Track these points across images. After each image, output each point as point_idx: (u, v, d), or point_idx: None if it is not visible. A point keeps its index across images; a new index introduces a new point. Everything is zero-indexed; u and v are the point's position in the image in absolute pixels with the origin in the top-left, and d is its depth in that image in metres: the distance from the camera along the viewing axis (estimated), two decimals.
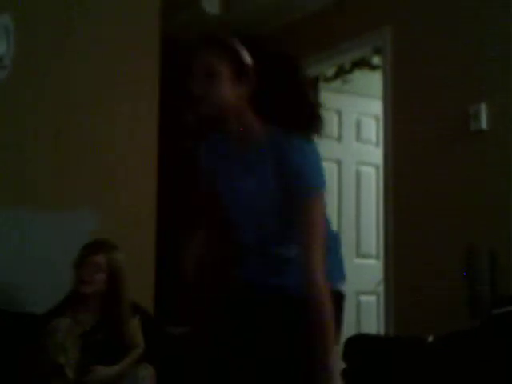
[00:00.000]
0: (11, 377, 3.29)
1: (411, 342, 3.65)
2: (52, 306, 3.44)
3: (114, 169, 4.25)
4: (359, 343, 3.85)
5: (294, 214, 2.14)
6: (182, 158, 4.26)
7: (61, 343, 3.20)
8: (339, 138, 5.85)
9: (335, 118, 5.84)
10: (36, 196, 3.94)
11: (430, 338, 3.48)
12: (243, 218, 2.26)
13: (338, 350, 2.23)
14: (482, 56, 4.16)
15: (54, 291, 3.49)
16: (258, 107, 2.17)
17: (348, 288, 5.82)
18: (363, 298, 5.70)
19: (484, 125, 4.13)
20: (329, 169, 5.70)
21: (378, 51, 5.20)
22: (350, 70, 5.68)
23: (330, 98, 5.69)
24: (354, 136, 5.91)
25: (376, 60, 5.49)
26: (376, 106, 5.42)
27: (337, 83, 5.75)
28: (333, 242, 2.29)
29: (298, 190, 2.12)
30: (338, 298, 2.23)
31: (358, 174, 5.87)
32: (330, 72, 5.70)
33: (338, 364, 2.15)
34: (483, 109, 4.13)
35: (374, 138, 5.89)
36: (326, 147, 5.66)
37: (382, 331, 4.97)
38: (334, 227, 5.79)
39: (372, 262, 5.71)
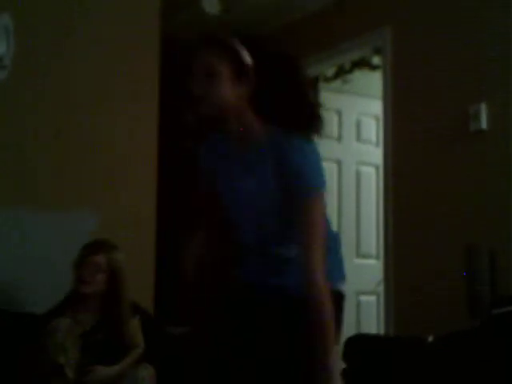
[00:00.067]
0: (11, 377, 3.29)
1: (411, 342, 3.65)
2: (52, 306, 3.44)
3: (114, 169, 4.25)
4: (359, 343, 3.85)
5: (294, 213, 2.14)
6: (182, 158, 4.26)
7: (61, 343, 3.20)
8: (339, 138, 5.85)
9: (335, 118, 5.84)
10: (36, 196, 3.94)
11: (430, 338, 3.49)
12: (243, 218, 2.26)
13: (337, 350, 2.23)
14: (481, 56, 4.16)
15: (53, 291, 3.49)
16: (258, 107, 2.17)
17: (348, 288, 5.81)
18: (363, 298, 5.70)
19: (484, 125, 4.13)
20: (329, 169, 5.70)
21: (377, 51, 5.20)
22: (350, 70, 5.68)
23: (330, 98, 5.68)
24: (354, 136, 5.91)
25: (376, 60, 5.49)
26: (376, 106, 5.42)
27: (337, 83, 5.75)
28: (333, 242, 2.29)
29: (297, 190, 2.12)
30: (338, 298, 2.23)
31: (358, 174, 5.87)
32: (330, 72, 5.70)
33: (337, 364, 2.15)
34: (483, 109, 4.13)
35: (373, 138, 5.89)
36: (325, 147, 5.65)
37: (381, 331, 4.97)
38: (334, 227, 5.79)
39: (372, 261, 5.71)
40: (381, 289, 4.92)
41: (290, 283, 2.15)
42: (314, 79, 5.61)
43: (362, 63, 5.64)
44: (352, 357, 3.74)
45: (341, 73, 5.72)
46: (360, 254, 5.77)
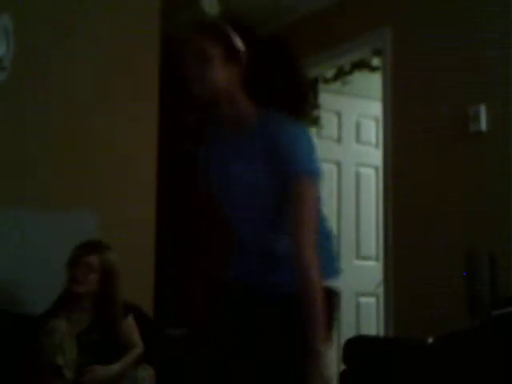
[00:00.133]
0: (11, 377, 3.29)
1: (411, 343, 3.65)
2: (49, 307, 3.45)
3: (114, 169, 4.25)
4: (359, 345, 3.84)
5: (285, 200, 2.13)
6: (182, 158, 4.25)
7: (59, 344, 3.20)
8: (339, 140, 5.85)
9: (335, 120, 5.83)
10: (36, 196, 3.94)
11: (430, 340, 3.48)
12: (235, 204, 2.25)
13: (331, 347, 2.22)
14: (481, 57, 4.16)
15: (53, 291, 3.49)
16: (251, 91, 2.18)
17: (348, 289, 5.84)
18: (363, 299, 5.70)
19: (483, 126, 4.12)
20: (328, 170, 5.70)
21: (377, 53, 5.20)
22: (350, 72, 5.67)
23: (330, 100, 5.68)
24: (354, 137, 5.91)
25: (376, 61, 5.49)
26: (375, 108, 5.41)
27: (336, 85, 5.74)
28: (326, 239, 2.28)
29: (288, 175, 2.11)
30: (332, 296, 2.22)
31: (358, 176, 5.87)
32: (330, 73, 5.70)
33: (330, 361, 2.14)
34: (482, 110, 4.12)
35: (373, 140, 5.88)
36: (325, 149, 5.66)
37: (381, 332, 4.96)
38: (334, 228, 5.78)
39: (371, 263, 5.71)
40: (380, 290, 4.92)
41: (286, 280, 2.14)
42: (313, 80, 5.62)
43: (362, 64, 5.64)
44: (352, 358, 3.74)
45: (340, 74, 5.71)
46: (360, 256, 5.77)
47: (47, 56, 4.07)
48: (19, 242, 3.79)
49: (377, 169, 5.61)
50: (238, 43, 2.16)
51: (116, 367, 3.40)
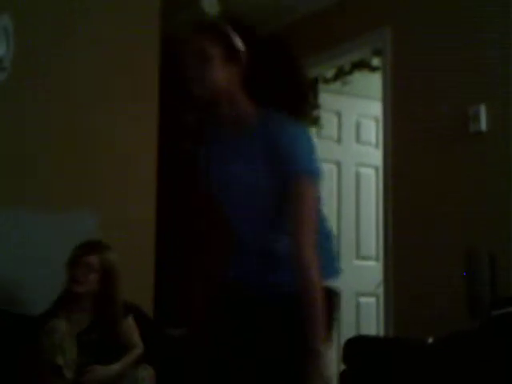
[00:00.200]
0: (11, 377, 3.29)
1: (411, 343, 3.65)
2: (49, 307, 3.45)
3: (114, 169, 4.25)
4: (359, 345, 3.84)
5: (285, 200, 2.13)
6: (182, 158, 4.26)
7: (59, 344, 3.20)
8: (339, 140, 5.85)
9: (335, 120, 5.83)
10: (36, 196, 3.94)
11: (430, 340, 3.48)
12: (235, 203, 2.25)
13: (331, 347, 2.22)
14: (481, 57, 4.16)
15: (53, 291, 3.49)
16: (251, 91, 2.18)
17: (348, 289, 5.84)
18: (363, 299, 5.70)
19: (483, 126, 4.12)
20: (328, 170, 5.70)
21: (377, 53, 5.20)
22: (350, 72, 5.67)
23: (330, 100, 5.68)
24: (354, 137, 5.91)
25: (376, 61, 5.49)
26: (375, 108, 5.42)
27: (336, 85, 5.74)
28: (326, 239, 2.27)
29: (287, 175, 2.11)
30: (332, 296, 2.22)
31: (358, 176, 5.87)
32: (330, 73, 5.70)
33: (330, 361, 2.14)
34: (483, 110, 4.12)
35: (373, 140, 5.88)
36: (325, 149, 5.66)
37: (381, 333, 4.96)
38: (334, 228, 5.78)
39: (372, 263, 5.71)
40: (380, 290, 4.91)
41: (286, 280, 2.14)
42: (313, 80, 5.62)
43: (362, 64, 5.64)
44: (352, 358, 3.74)
45: (340, 74, 5.71)
46: (360, 256, 5.77)
47: (47, 56, 4.07)
48: (19, 242, 3.79)
49: (377, 169, 5.61)
50: (238, 43, 2.16)
51: (116, 367, 3.41)
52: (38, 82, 4.02)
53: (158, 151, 4.46)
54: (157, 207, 4.40)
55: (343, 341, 3.90)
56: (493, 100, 4.10)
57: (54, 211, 3.95)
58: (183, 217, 5.50)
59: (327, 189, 5.68)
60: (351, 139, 5.89)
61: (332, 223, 5.87)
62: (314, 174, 2.15)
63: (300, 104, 2.22)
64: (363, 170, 5.87)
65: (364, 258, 5.77)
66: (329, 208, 5.63)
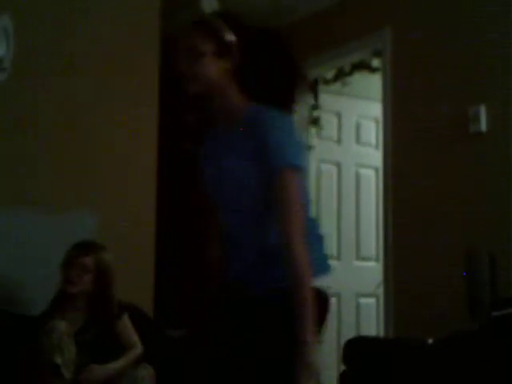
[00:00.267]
0: (11, 377, 3.30)
1: (411, 344, 3.65)
2: (46, 307, 3.46)
3: (114, 169, 4.25)
4: (359, 345, 3.84)
5: (271, 192, 2.14)
6: (182, 158, 4.26)
7: (57, 344, 3.21)
8: (339, 141, 5.85)
9: (335, 121, 5.84)
10: (36, 196, 3.94)
11: (430, 340, 3.48)
12: (228, 201, 2.26)
13: (320, 347, 2.21)
14: (481, 58, 4.16)
15: (53, 291, 3.50)
16: (245, 84, 2.21)
17: (348, 290, 5.84)
18: (363, 300, 5.70)
19: (483, 127, 4.12)
20: (328, 171, 5.71)
21: (377, 54, 5.20)
22: (350, 73, 5.67)
23: (330, 101, 5.70)
24: (354, 138, 5.91)
25: (375, 62, 5.49)
26: (375, 109, 5.42)
27: (336, 86, 5.74)
28: (316, 241, 2.27)
29: (271, 167, 2.12)
30: (322, 297, 2.22)
31: (358, 177, 5.87)
32: (330, 74, 5.70)
33: (318, 359, 2.13)
34: (482, 111, 4.13)
35: (373, 141, 5.88)
36: (325, 149, 5.68)
37: (381, 333, 4.96)
38: (334, 228, 5.77)
39: (372, 264, 5.71)
40: (380, 291, 4.92)
41: (285, 273, 2.14)
42: (313, 81, 5.62)
43: (362, 66, 5.64)
44: (352, 359, 3.74)
45: (340, 75, 5.71)
46: (360, 257, 5.77)
47: (47, 56, 4.07)
48: (19, 242, 3.79)
49: (377, 170, 5.61)
50: (230, 39, 2.18)
51: (114, 366, 3.41)
52: (37, 82, 4.02)
53: (158, 151, 4.46)
54: (157, 207, 4.40)
55: (343, 341, 3.90)
56: (493, 100, 4.10)
57: (53, 211, 3.95)
58: (183, 217, 5.50)
59: (327, 189, 5.69)
60: (351, 140, 5.90)
61: (332, 223, 5.91)
62: (297, 168, 2.16)
63: (291, 97, 2.24)
64: (363, 171, 5.87)
65: (364, 258, 5.77)
66: (329, 208, 5.64)
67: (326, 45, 5.25)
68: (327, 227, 5.38)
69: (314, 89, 5.65)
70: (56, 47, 4.12)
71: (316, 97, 5.66)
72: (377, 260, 5.59)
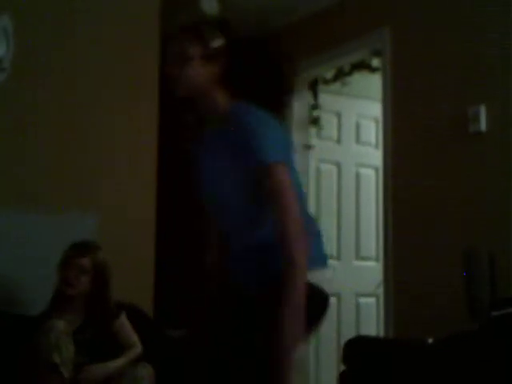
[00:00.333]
0: (11, 376, 3.30)
1: (411, 344, 3.64)
2: (45, 308, 3.46)
3: (114, 169, 4.25)
4: (359, 345, 3.84)
5: (263, 190, 2.16)
6: (181, 158, 4.26)
7: (55, 343, 3.21)
8: (338, 141, 5.84)
9: (334, 121, 5.84)
10: (36, 196, 3.94)
11: (430, 340, 3.48)
12: (223, 201, 2.29)
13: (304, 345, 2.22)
14: (481, 58, 4.16)
15: (53, 291, 3.51)
16: (231, 88, 2.27)
17: (347, 290, 5.84)
18: (363, 300, 5.70)
19: (483, 127, 4.12)
20: (328, 171, 5.71)
21: (377, 53, 5.20)
22: (350, 73, 5.67)
23: (330, 100, 5.70)
24: (354, 138, 5.91)
25: (375, 62, 5.49)
26: (375, 108, 5.42)
27: (336, 85, 5.74)
28: (315, 237, 2.28)
29: (259, 165, 2.14)
30: (321, 296, 2.23)
31: (358, 176, 5.87)
32: (330, 74, 5.70)
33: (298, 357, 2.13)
34: (482, 111, 4.12)
35: (373, 140, 5.88)
36: (325, 149, 5.68)
37: (381, 333, 4.96)
38: (334, 228, 5.78)
39: (371, 263, 5.71)
40: (380, 291, 4.91)
41: (280, 275, 2.14)
42: (313, 81, 5.62)
43: (362, 65, 5.64)
44: (352, 359, 3.74)
45: (340, 75, 5.71)
46: (359, 256, 5.77)
47: (47, 56, 4.08)
48: (19, 242, 3.79)
49: (376, 169, 5.61)
50: (216, 41, 2.24)
51: (113, 365, 3.42)
52: (37, 82, 4.03)
53: (158, 151, 4.46)
54: (157, 207, 4.40)
55: (343, 341, 3.90)
56: (493, 100, 4.10)
57: (53, 211, 3.95)
58: (183, 217, 5.50)
59: (327, 189, 5.69)
60: (351, 140, 5.89)
61: (332, 223, 5.91)
62: (284, 164, 2.18)
63: (277, 101, 2.29)
64: (363, 171, 5.87)
65: (364, 258, 5.77)
66: (329, 208, 5.64)
67: (325, 45, 5.25)
68: (327, 227, 5.38)
69: (313, 89, 5.65)
70: (56, 47, 4.12)
71: (316, 97, 5.66)
72: (377, 260, 5.59)
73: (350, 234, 5.75)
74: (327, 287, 2.25)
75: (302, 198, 2.26)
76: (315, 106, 5.62)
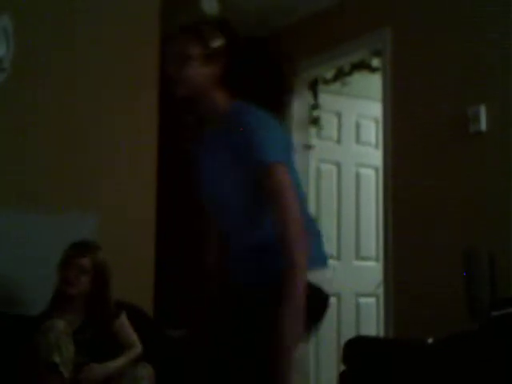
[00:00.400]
0: (11, 376, 3.30)
1: (411, 344, 3.64)
2: (45, 308, 3.46)
3: (114, 169, 4.25)
4: (359, 345, 3.84)
5: (263, 191, 2.16)
6: (182, 158, 4.26)
7: (54, 342, 3.21)
8: (339, 141, 5.85)
9: (335, 121, 5.84)
10: (36, 196, 3.94)
11: (430, 340, 3.47)
12: (222, 201, 2.29)
13: (304, 346, 2.23)
14: (481, 58, 4.16)
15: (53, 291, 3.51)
16: (231, 88, 2.27)
17: (347, 290, 5.84)
18: (363, 300, 5.70)
19: (483, 127, 4.12)
20: (328, 171, 5.71)
21: (377, 53, 5.20)
22: (350, 73, 5.68)
23: (330, 100, 5.70)
24: (354, 138, 5.91)
25: (375, 62, 5.49)
26: (375, 108, 5.42)
27: (336, 85, 5.74)
28: (315, 237, 2.28)
29: (259, 165, 2.14)
30: (321, 296, 2.23)
31: (358, 176, 5.87)
32: (330, 74, 5.70)
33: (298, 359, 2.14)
34: (482, 111, 4.12)
35: (373, 140, 5.88)
36: (325, 149, 5.68)
37: (381, 333, 4.96)
38: (334, 228, 5.78)
39: (371, 263, 5.71)
40: (380, 291, 4.92)
41: (280, 275, 2.14)
42: (313, 81, 5.63)
43: (362, 65, 5.64)
44: (352, 359, 3.74)
45: (340, 75, 5.72)
46: (359, 256, 5.77)
47: (47, 56, 4.08)
48: (19, 242, 3.79)
49: (377, 169, 5.61)
50: (218, 44, 2.24)
51: (114, 365, 3.42)
52: (37, 82, 4.03)
53: (158, 151, 4.46)
54: (157, 207, 4.40)
55: (343, 341, 3.90)
56: (493, 100, 4.10)
57: (53, 211, 3.95)
58: (183, 217, 5.50)
59: (327, 189, 5.69)
60: (351, 140, 5.90)
61: (332, 223, 5.91)
62: (284, 164, 2.18)
63: (277, 102, 2.29)
64: (363, 171, 5.87)
65: (364, 258, 5.77)
66: (329, 208, 5.64)
67: (325, 45, 5.25)
68: (327, 227, 5.38)
69: (313, 89, 5.65)
70: (56, 47, 4.12)
71: (316, 97, 5.66)
72: (377, 260, 5.59)
73: (350, 234, 5.75)
74: (327, 287, 2.25)
75: (302, 198, 2.26)
76: (315, 106, 5.62)
